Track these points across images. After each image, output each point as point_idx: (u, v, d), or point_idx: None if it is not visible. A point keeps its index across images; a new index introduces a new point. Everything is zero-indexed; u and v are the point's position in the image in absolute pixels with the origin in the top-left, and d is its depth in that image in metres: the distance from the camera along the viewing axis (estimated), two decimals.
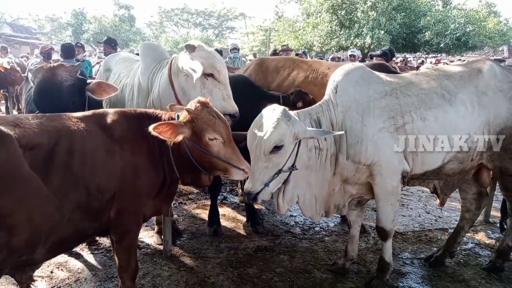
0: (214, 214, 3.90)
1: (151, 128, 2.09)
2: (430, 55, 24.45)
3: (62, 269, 3.14)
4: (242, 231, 3.96)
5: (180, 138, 2.17)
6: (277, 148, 2.37)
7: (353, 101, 2.66)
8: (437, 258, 3.31)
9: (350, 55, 9.85)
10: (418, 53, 23.26)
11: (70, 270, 3.13)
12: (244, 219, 4.20)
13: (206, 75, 2.67)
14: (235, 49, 8.98)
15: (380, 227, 2.86)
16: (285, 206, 2.64)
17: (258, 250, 3.52)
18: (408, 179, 2.91)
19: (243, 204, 4.41)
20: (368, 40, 16.46)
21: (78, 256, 3.34)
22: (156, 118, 2.31)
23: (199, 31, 49.32)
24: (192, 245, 3.61)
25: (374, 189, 2.74)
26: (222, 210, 4.47)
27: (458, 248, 3.42)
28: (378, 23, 16.16)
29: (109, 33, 30.45)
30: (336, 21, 17.89)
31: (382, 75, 2.83)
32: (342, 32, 17.76)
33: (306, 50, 16.88)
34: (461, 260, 3.42)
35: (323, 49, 18.41)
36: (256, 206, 4.39)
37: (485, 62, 3.06)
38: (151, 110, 2.38)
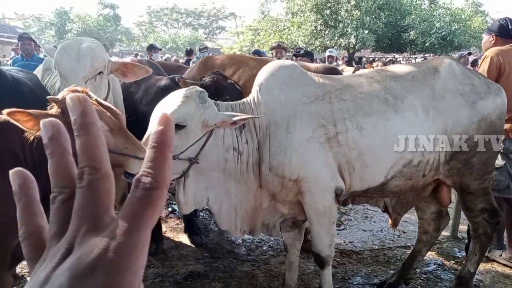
0: (154, 231, 3.43)
1: (5, 111, 1.63)
2: (418, 55, 24.20)
3: None
4: (178, 252, 3.50)
5: None
6: (177, 127, 1.98)
7: (278, 104, 2.24)
8: (390, 285, 2.89)
9: (328, 56, 9.42)
10: (405, 53, 22.99)
11: None
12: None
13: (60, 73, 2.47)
14: (205, 48, 8.55)
15: (315, 253, 2.44)
16: (187, 205, 2.24)
17: (189, 276, 3.06)
18: (350, 197, 2.52)
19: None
20: (352, 40, 16.12)
21: None
22: None
23: (189, 31, 48.92)
24: None
25: (305, 208, 2.31)
26: (165, 226, 4.02)
27: (415, 272, 3.00)
28: (362, 22, 15.81)
29: (93, 32, 29.84)
30: (321, 20, 17.53)
31: (316, 76, 2.40)
32: (326, 31, 17.41)
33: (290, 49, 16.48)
34: (419, 286, 3.00)
35: (308, 49, 18.10)
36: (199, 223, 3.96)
37: (443, 60, 2.66)
38: None
